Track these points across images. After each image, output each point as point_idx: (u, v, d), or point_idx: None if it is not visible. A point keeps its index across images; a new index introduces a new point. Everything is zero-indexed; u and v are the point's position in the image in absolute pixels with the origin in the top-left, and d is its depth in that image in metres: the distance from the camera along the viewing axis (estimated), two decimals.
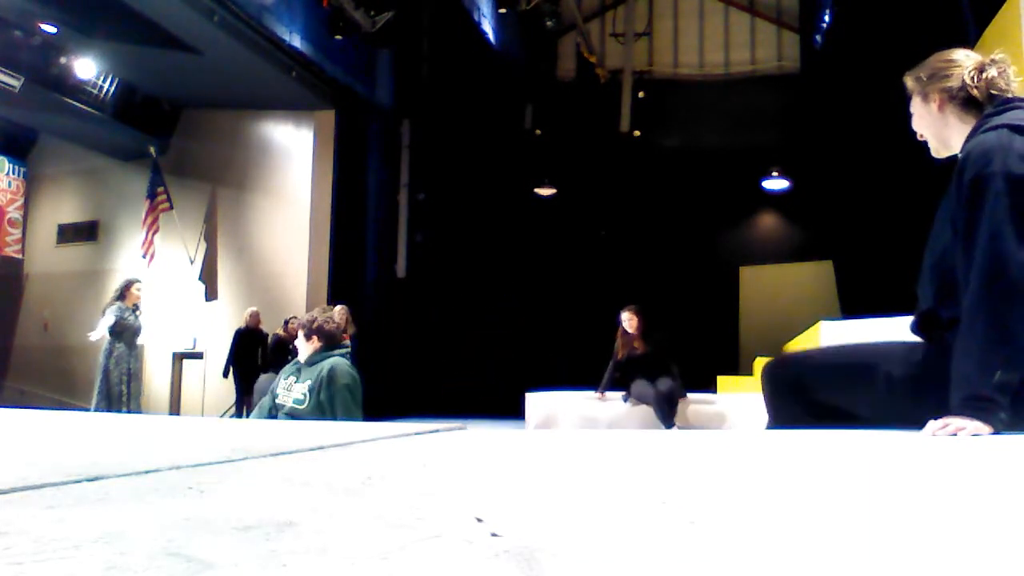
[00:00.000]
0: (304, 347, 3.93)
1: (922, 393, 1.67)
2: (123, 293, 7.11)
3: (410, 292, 11.46)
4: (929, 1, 6.90)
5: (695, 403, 6.69)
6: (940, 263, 1.71)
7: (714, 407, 6.85)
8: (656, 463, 1.28)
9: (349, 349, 4.02)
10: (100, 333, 6.98)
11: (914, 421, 1.59)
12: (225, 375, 9.07)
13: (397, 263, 11.37)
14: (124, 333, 7.04)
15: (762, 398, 1.98)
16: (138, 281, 7.35)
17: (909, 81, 1.85)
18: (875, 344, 1.90)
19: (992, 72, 1.73)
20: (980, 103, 1.73)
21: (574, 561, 0.55)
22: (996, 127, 1.62)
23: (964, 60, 1.77)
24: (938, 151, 1.83)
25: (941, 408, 1.53)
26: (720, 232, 14.01)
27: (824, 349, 2.37)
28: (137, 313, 7.19)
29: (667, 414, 6.29)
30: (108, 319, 6.94)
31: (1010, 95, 1.72)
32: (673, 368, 6.51)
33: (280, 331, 8.97)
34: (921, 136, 1.86)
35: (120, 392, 6.92)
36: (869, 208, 9.29)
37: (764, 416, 1.98)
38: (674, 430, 6.14)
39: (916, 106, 1.84)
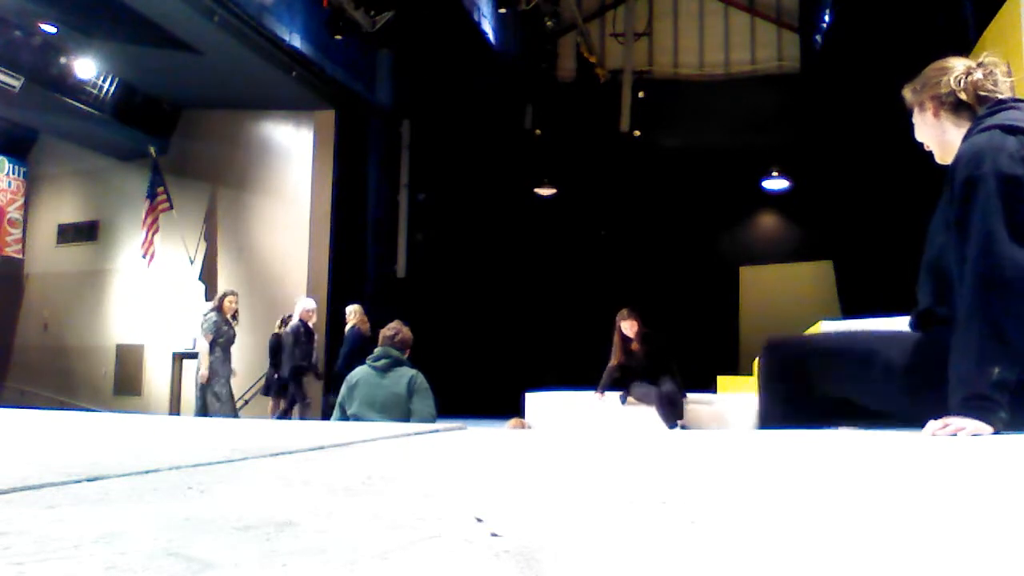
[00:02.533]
0: None
1: (921, 382, 1.67)
2: (220, 304, 7.73)
3: (410, 292, 11.46)
4: (929, 1, 6.90)
5: (695, 403, 6.69)
6: (937, 263, 1.72)
7: (714, 407, 6.85)
8: (656, 463, 1.28)
9: (371, 357, 4.49)
10: (203, 346, 7.65)
11: (912, 410, 1.60)
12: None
13: (397, 263, 11.37)
14: (221, 340, 7.66)
15: (757, 381, 1.98)
16: (233, 293, 7.97)
17: (907, 94, 1.88)
18: (876, 332, 1.91)
19: (978, 75, 1.75)
20: (971, 106, 1.74)
21: (574, 561, 0.55)
22: (988, 128, 1.64)
23: (955, 66, 1.79)
24: (942, 158, 1.84)
25: (940, 399, 1.53)
26: (720, 232, 14.01)
27: (824, 335, 2.37)
28: (233, 323, 7.84)
29: (670, 414, 6.29)
30: (208, 330, 7.60)
31: (999, 95, 1.73)
32: (674, 368, 6.51)
33: (279, 329, 8.91)
34: (927, 147, 1.88)
35: (220, 396, 7.57)
36: (869, 208, 9.29)
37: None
38: (676, 429, 6.15)
39: (916, 116, 1.87)
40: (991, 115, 1.68)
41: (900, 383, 1.71)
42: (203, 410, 7.53)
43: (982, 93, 1.74)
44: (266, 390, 8.97)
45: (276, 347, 8.82)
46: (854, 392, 1.79)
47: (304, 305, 8.52)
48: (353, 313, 8.38)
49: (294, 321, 8.46)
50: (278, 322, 8.98)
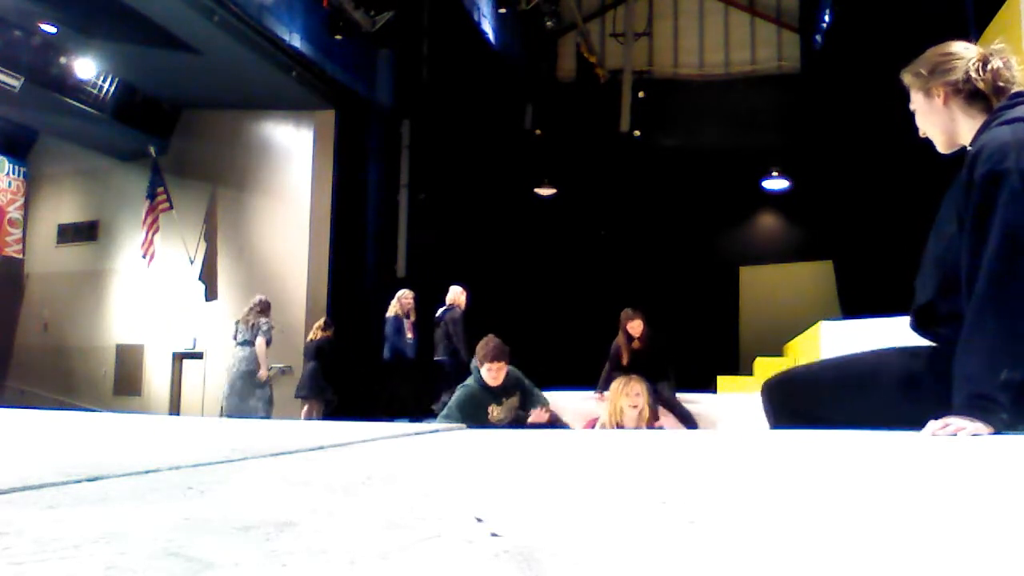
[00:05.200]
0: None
1: (921, 398, 1.65)
2: (265, 309, 7.96)
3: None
4: (929, 1, 6.91)
5: (694, 403, 6.72)
6: (944, 256, 1.67)
7: (713, 407, 6.86)
8: (656, 463, 1.28)
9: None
10: (263, 348, 7.77)
11: (914, 425, 1.58)
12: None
13: (397, 263, 11.37)
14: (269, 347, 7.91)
15: (763, 415, 1.96)
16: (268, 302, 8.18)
17: (907, 77, 1.79)
18: (869, 353, 1.87)
19: (997, 63, 1.68)
20: (986, 96, 1.68)
21: (574, 561, 0.55)
22: (1010, 120, 1.57)
23: (964, 52, 1.72)
24: (946, 147, 1.77)
25: (940, 411, 1.52)
26: (720, 232, 14.02)
27: (819, 363, 2.32)
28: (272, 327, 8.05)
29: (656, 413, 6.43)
30: (266, 334, 7.78)
31: (1015, 84, 1.68)
32: (669, 371, 6.61)
33: (320, 333, 8.72)
34: (923, 134, 1.81)
35: (265, 398, 7.80)
36: (869, 208, 9.29)
37: (764, 419, 1.98)
38: (664, 430, 6.22)
39: (918, 103, 1.78)
40: (1011, 107, 1.61)
41: (902, 404, 1.69)
42: (248, 410, 7.56)
43: (1001, 84, 1.67)
44: (305, 392, 8.64)
45: (317, 351, 8.63)
46: (858, 417, 1.77)
47: (458, 290, 8.35)
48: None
49: (455, 311, 8.21)
50: (316, 325, 8.79)
